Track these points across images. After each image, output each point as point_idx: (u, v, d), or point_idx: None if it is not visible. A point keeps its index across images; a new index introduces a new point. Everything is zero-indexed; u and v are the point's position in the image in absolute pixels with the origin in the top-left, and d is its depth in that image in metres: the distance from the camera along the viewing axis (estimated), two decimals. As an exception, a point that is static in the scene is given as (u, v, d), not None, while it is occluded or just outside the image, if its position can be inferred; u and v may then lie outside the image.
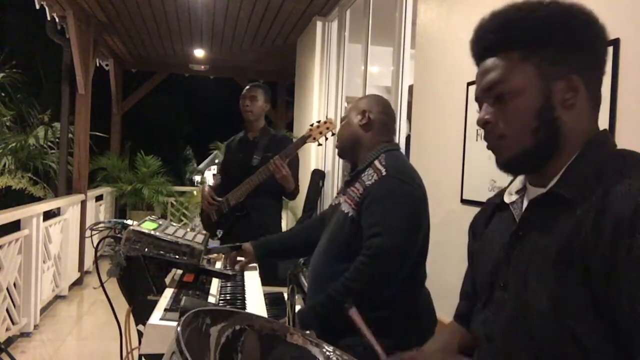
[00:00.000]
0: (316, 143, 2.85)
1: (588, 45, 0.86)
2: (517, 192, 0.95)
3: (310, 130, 2.81)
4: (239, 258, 2.00)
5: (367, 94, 4.20)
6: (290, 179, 2.90)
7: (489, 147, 0.91)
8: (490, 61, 0.89)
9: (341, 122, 1.86)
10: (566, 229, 0.78)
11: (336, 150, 1.95)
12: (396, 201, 1.61)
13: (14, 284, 3.78)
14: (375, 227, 1.59)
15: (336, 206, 1.80)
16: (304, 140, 2.84)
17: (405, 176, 1.67)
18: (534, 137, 0.84)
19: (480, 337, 0.92)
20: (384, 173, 1.64)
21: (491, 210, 1.01)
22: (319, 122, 2.85)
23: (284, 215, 5.18)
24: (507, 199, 0.96)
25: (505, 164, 0.88)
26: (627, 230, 0.70)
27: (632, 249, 0.69)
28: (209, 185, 3.32)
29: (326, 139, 2.89)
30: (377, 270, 1.57)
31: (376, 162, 1.69)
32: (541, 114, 0.84)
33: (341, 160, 5.11)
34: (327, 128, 2.81)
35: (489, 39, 0.89)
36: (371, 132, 1.76)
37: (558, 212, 0.81)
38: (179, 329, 0.67)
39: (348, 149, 1.83)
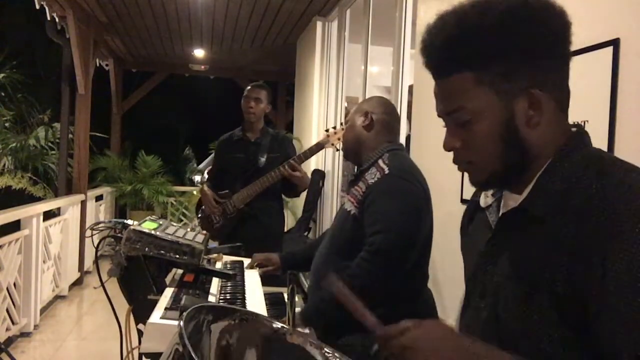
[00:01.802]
0: (334, 148, 2.91)
1: (545, 48, 0.79)
2: (493, 195, 0.93)
3: (328, 136, 2.85)
4: (263, 266, 2.04)
5: (366, 93, 4.21)
6: (306, 179, 3.02)
7: (459, 169, 0.89)
8: (444, 84, 0.84)
9: (345, 125, 1.87)
10: (536, 249, 0.76)
11: (336, 151, 1.96)
12: (398, 199, 1.62)
13: (14, 284, 3.78)
14: (377, 224, 1.60)
15: (342, 206, 1.82)
16: (320, 146, 2.88)
17: (408, 175, 1.68)
18: (501, 160, 0.81)
19: None
20: (386, 172, 1.65)
21: (473, 209, 0.99)
22: (334, 127, 2.90)
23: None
24: (483, 201, 0.94)
25: (477, 185, 0.88)
26: (598, 252, 0.68)
27: (607, 272, 0.67)
28: (206, 184, 3.27)
29: None
30: (379, 267, 1.58)
31: (380, 161, 1.70)
32: (505, 137, 0.80)
33: (341, 160, 5.12)
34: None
35: (438, 59, 0.84)
36: (374, 133, 1.78)
37: (528, 229, 0.79)
38: (181, 323, 0.67)
39: (352, 150, 1.85)
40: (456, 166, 0.87)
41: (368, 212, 1.63)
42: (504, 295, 0.80)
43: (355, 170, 1.90)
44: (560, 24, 0.79)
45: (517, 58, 0.78)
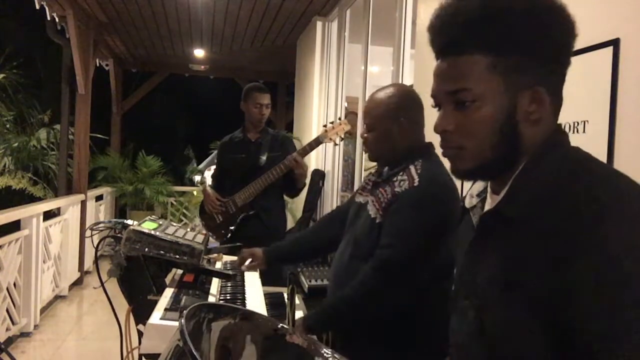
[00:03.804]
0: (332, 143, 2.90)
1: (557, 48, 0.79)
2: (478, 195, 0.91)
3: (326, 131, 2.85)
4: (248, 261, 1.96)
5: (366, 93, 4.20)
6: (305, 176, 3.03)
7: (444, 155, 0.87)
8: (453, 63, 0.80)
9: (365, 122, 1.70)
10: (512, 251, 0.76)
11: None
12: (418, 215, 1.52)
13: (14, 284, 3.78)
14: (389, 237, 1.54)
15: (361, 205, 1.71)
16: (319, 141, 2.89)
17: (438, 189, 1.55)
18: (493, 151, 0.79)
19: (451, 344, 0.91)
20: (416, 183, 1.55)
21: (462, 211, 0.98)
22: (332, 123, 2.90)
23: (283, 215, 5.17)
24: (468, 202, 0.92)
25: (460, 174, 0.85)
26: (572, 252, 0.67)
27: (582, 271, 0.66)
28: (210, 186, 3.29)
29: (342, 139, 2.92)
30: (381, 283, 1.52)
31: (412, 168, 1.59)
32: (503, 129, 0.78)
33: (341, 160, 5.12)
34: (343, 129, 2.85)
35: (455, 36, 0.80)
36: (407, 135, 1.65)
37: (504, 231, 0.78)
38: (182, 320, 0.67)
39: (384, 157, 1.71)
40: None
41: (387, 222, 1.56)
42: (485, 296, 0.80)
43: (376, 169, 1.76)
44: (572, 29, 0.79)
45: (533, 51, 0.77)
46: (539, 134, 0.79)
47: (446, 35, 0.81)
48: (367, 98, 4.37)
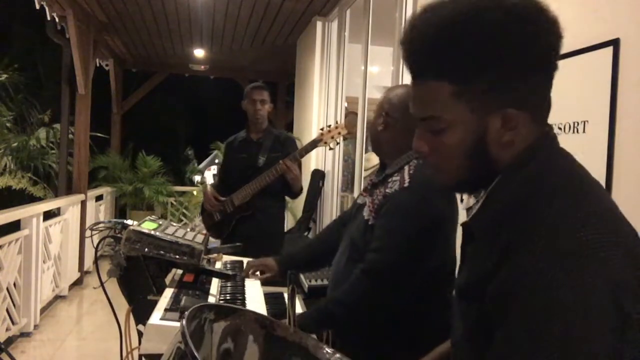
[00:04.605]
0: (327, 147, 2.87)
1: (533, 63, 0.73)
2: (475, 196, 0.90)
3: (322, 134, 2.83)
4: (258, 272, 1.94)
5: (366, 93, 4.20)
6: (300, 179, 2.98)
7: None
8: (420, 87, 0.78)
9: (375, 115, 1.68)
10: (471, 264, 0.77)
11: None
12: (406, 218, 1.50)
13: (14, 284, 3.78)
14: (377, 241, 1.52)
15: (360, 207, 1.70)
16: (314, 144, 2.87)
17: (429, 193, 1.50)
18: (468, 172, 0.79)
19: (451, 343, 0.92)
20: (406, 185, 1.52)
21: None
22: (329, 126, 2.89)
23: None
24: (465, 203, 0.91)
25: (446, 188, 0.86)
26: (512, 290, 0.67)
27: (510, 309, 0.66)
28: (211, 185, 3.32)
29: (337, 143, 2.90)
30: (370, 287, 1.51)
31: (405, 169, 1.57)
32: (472, 155, 0.76)
33: (341, 161, 5.12)
34: (339, 133, 2.83)
35: (419, 60, 0.78)
36: (394, 135, 1.61)
37: (472, 243, 0.81)
38: (184, 322, 0.67)
39: (375, 149, 1.73)
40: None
41: (377, 225, 1.54)
42: (460, 302, 0.81)
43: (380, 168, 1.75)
44: (552, 36, 0.73)
45: (502, 74, 0.72)
46: (511, 154, 0.76)
47: (413, 58, 0.79)
48: (367, 98, 4.36)
